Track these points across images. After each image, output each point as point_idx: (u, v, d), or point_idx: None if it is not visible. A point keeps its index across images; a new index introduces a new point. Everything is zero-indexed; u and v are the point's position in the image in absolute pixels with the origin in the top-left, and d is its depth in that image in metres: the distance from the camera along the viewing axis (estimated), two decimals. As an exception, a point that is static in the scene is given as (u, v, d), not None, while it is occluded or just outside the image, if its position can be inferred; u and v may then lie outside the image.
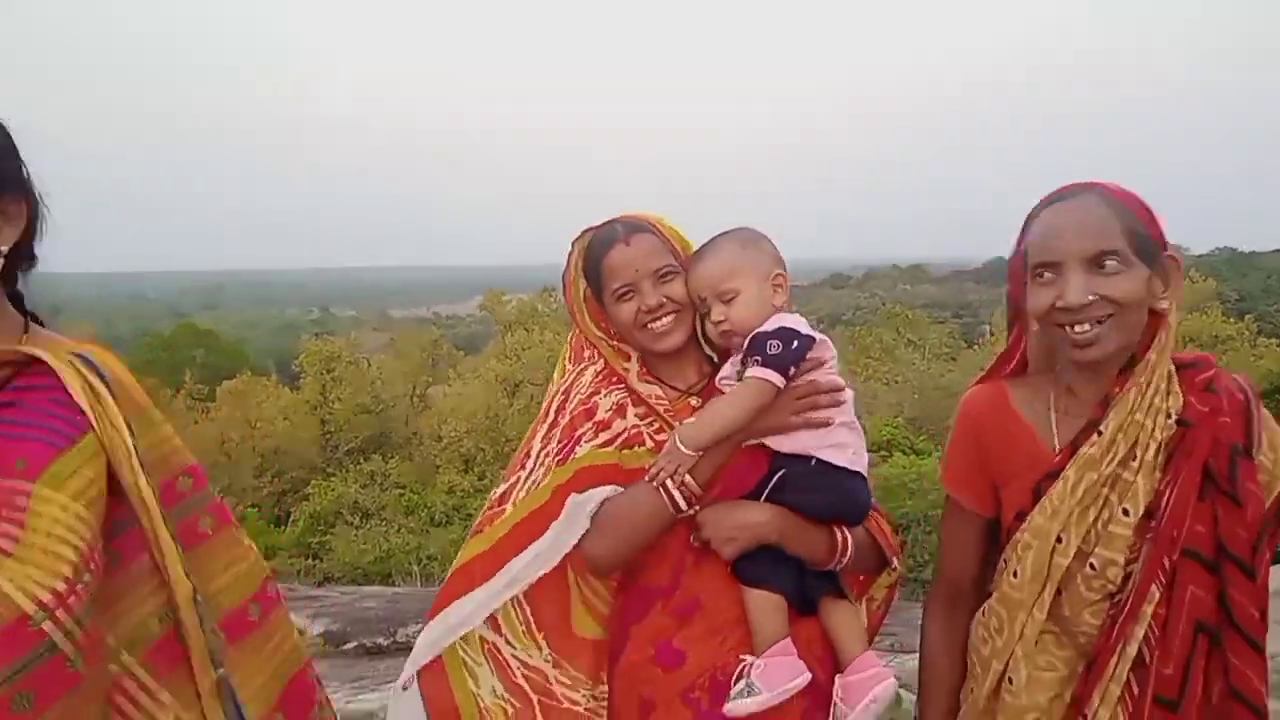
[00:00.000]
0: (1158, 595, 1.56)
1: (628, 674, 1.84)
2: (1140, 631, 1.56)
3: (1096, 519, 1.61)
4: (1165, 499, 1.58)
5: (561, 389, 2.01)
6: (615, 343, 2.02)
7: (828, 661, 1.84)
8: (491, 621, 1.93)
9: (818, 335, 1.85)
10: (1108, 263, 1.56)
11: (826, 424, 1.82)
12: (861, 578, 2.00)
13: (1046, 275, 1.60)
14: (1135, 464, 1.60)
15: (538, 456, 1.92)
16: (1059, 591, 1.64)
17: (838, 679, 1.82)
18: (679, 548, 1.85)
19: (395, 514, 19.90)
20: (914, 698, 5.16)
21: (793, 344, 1.79)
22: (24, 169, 1.32)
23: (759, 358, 1.78)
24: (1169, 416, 1.60)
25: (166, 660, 1.27)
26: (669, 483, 1.77)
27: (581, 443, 1.89)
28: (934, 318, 45.14)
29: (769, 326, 1.82)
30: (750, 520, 1.78)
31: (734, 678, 1.74)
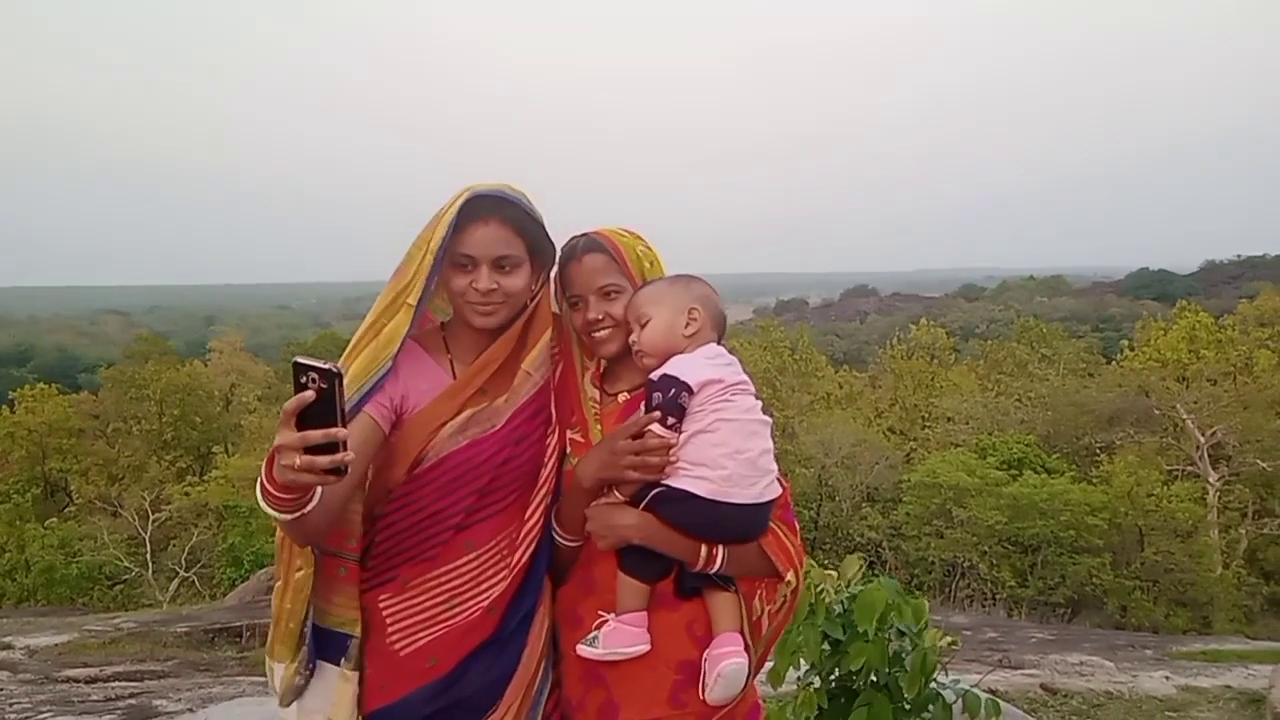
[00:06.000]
0: None
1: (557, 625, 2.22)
2: None
3: None
4: None
5: None
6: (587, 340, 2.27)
7: (708, 643, 2.06)
8: None
9: (714, 376, 2.00)
10: None
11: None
12: (766, 581, 2.13)
13: None
14: None
15: None
16: None
17: (705, 652, 2.03)
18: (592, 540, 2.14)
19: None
20: (1018, 711, 5.24)
21: (669, 391, 1.97)
22: None
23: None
24: None
25: None
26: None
27: None
28: (1072, 331, 43.64)
29: (656, 375, 2.01)
30: (619, 522, 2.01)
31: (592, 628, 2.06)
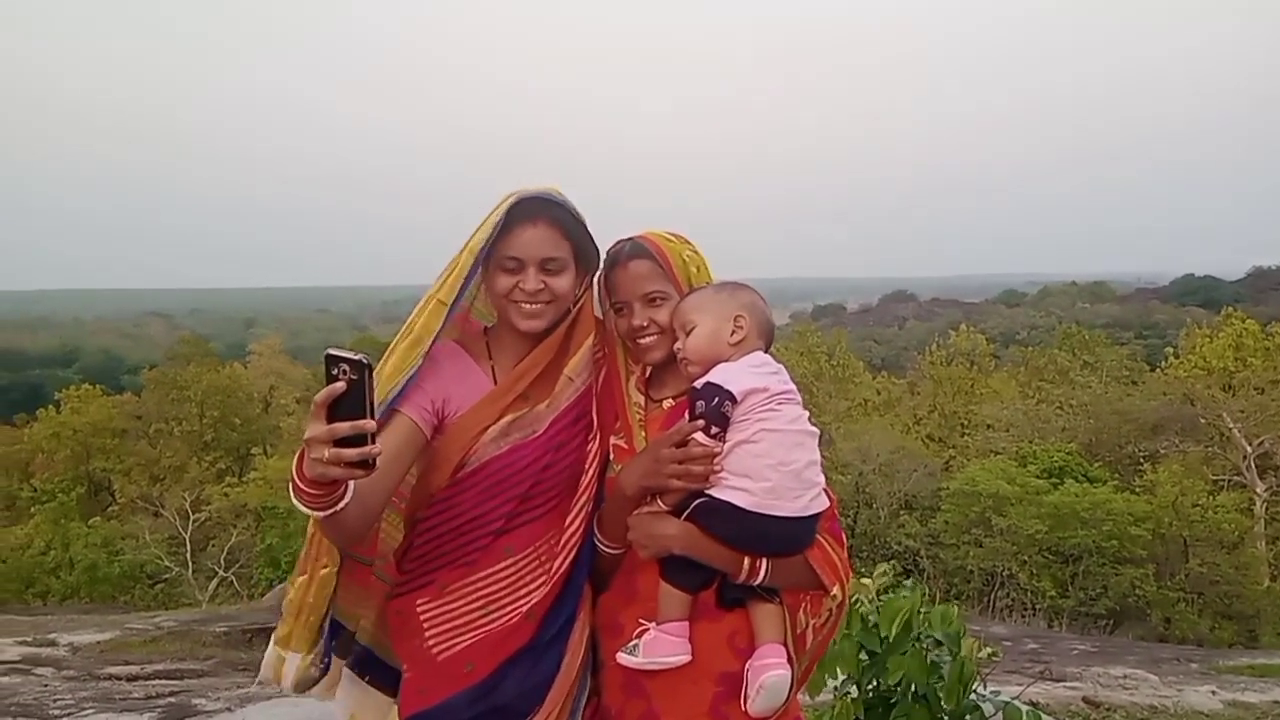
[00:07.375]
0: None
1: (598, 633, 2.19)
2: None
3: None
4: None
5: None
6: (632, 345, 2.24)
7: (749, 656, 2.02)
8: None
9: (758, 385, 1.96)
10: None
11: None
12: (811, 594, 2.09)
13: None
14: None
15: None
16: None
17: (747, 663, 2.00)
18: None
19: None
20: (1053, 721, 5.14)
21: (713, 400, 1.93)
22: None
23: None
24: None
25: None
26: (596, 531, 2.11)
27: None
28: (1115, 338, 43.00)
29: (699, 383, 1.98)
30: (661, 532, 1.98)
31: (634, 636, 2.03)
